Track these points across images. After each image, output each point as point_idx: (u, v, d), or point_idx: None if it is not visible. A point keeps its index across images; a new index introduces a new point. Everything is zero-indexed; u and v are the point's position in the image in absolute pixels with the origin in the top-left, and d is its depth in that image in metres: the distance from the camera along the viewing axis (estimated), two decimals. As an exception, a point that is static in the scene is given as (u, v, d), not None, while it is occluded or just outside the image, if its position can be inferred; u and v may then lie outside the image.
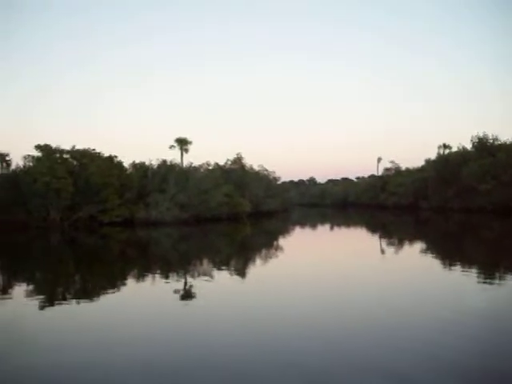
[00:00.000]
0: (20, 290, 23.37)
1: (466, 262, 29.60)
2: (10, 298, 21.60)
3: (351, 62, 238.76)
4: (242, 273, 27.54)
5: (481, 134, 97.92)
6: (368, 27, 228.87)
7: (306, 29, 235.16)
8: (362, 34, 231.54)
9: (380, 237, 53.58)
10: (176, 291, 21.68)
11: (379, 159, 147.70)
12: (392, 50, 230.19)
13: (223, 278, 25.52)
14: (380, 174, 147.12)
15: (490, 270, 25.89)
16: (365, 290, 20.74)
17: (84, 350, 13.19)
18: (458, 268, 26.83)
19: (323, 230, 69.38)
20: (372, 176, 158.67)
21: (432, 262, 29.66)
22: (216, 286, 23.01)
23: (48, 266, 33.96)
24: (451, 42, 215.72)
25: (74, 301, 20.69)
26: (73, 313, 18.02)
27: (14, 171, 73.02)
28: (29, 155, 73.19)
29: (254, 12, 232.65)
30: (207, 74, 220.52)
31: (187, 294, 21.45)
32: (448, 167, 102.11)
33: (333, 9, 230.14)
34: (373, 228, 68.83)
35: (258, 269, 29.33)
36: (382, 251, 37.61)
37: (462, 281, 22.28)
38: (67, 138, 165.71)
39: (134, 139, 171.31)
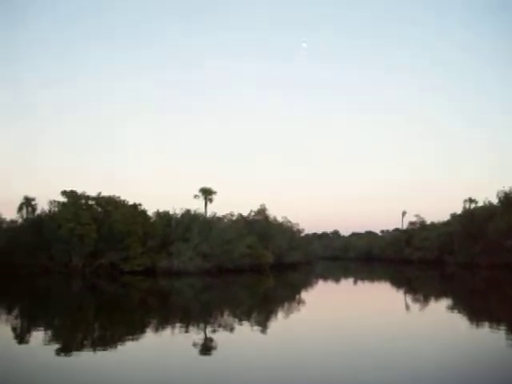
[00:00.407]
0: (38, 335, 23.04)
1: (494, 320, 28.60)
2: (27, 343, 21.33)
3: (380, 114, 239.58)
4: (263, 326, 26.94)
5: (507, 189, 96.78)
6: (394, 74, 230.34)
7: (331, 78, 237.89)
8: (396, 83, 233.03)
9: (405, 292, 52.41)
10: (195, 344, 21.18)
11: (404, 213, 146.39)
12: (422, 100, 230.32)
13: (244, 330, 24.95)
14: (405, 227, 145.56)
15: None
16: (388, 351, 20.03)
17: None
18: (485, 326, 25.90)
19: (347, 284, 68.23)
20: (396, 229, 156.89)
21: (459, 320, 28.76)
22: (236, 339, 22.46)
23: (68, 313, 33.72)
24: (475, 91, 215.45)
25: (91, 350, 20.29)
26: (87, 363, 17.62)
27: (40, 216, 73.84)
28: (54, 200, 74.25)
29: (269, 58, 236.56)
30: (233, 124, 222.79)
31: (206, 347, 20.94)
32: (474, 222, 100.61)
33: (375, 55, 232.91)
34: (397, 283, 67.42)
35: (279, 323, 28.70)
36: (407, 308, 36.65)
37: (490, 340, 21.44)
38: (93, 184, 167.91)
39: (159, 188, 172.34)
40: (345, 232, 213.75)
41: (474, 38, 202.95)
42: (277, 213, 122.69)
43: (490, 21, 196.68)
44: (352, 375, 15.64)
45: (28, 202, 75.16)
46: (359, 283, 68.67)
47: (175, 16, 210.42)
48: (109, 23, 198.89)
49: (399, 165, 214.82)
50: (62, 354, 19.38)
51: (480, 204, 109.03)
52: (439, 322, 28.06)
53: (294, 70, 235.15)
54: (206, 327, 26.71)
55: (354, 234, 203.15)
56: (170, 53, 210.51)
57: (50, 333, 24.87)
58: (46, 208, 74.96)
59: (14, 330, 25.88)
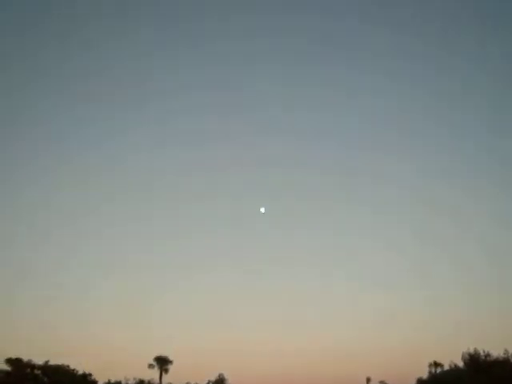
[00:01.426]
0: None
1: None
2: None
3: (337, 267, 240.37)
4: None
5: (471, 351, 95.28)
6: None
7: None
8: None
9: None
10: None
11: (368, 379, 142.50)
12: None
13: None
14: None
15: None
16: None
17: None
18: None
19: None
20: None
21: None
22: None
23: None
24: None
25: None
26: None
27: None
28: (-2, 370, 68.92)
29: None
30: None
31: None
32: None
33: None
34: None
35: None
36: None
37: None
38: (41, 351, 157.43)
39: (110, 355, 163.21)
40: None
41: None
42: (236, 381, 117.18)
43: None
44: None
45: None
46: None
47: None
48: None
49: (362, 330, 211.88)
50: None
51: (446, 367, 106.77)
52: None
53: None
54: None
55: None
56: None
57: None
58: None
59: None
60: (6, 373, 67.55)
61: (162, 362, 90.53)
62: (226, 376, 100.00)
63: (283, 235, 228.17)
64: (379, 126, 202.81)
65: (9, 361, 68.89)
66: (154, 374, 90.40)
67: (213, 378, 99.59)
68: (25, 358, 70.45)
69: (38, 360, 72.77)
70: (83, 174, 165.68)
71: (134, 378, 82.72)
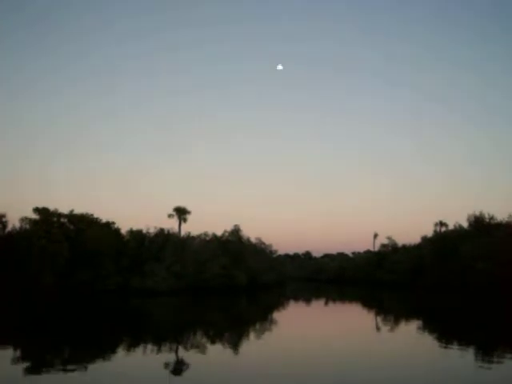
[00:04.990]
0: (6, 355, 22.76)
1: (464, 342, 29.02)
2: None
3: (351, 138, 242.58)
4: (234, 347, 27.02)
5: (477, 213, 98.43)
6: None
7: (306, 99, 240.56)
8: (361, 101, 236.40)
9: (375, 314, 52.81)
10: (167, 364, 21.20)
11: (376, 235, 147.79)
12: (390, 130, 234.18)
13: (217, 351, 25.03)
14: (376, 249, 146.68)
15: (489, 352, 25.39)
16: (356, 370, 20.34)
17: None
18: (453, 348, 26.33)
19: (318, 305, 68.47)
20: (368, 251, 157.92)
21: (428, 341, 29.18)
22: (208, 360, 22.51)
23: (37, 333, 33.33)
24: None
25: (61, 370, 20.05)
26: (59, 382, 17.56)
27: (10, 233, 72.69)
28: (26, 217, 73.08)
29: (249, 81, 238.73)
30: (207, 144, 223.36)
31: (178, 367, 20.99)
32: (445, 245, 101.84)
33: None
34: (368, 304, 67.88)
35: (250, 344, 28.77)
36: (378, 329, 37.05)
37: (459, 361, 21.88)
38: (66, 201, 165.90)
39: (132, 206, 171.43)
40: (317, 253, 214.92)
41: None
42: (250, 232, 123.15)
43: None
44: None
45: (-2, 219, 74.11)
46: (330, 304, 69.02)
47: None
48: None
49: (372, 188, 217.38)
50: (31, 373, 19.25)
51: (450, 227, 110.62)
52: (409, 343, 28.45)
53: (270, 88, 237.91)
54: (178, 348, 26.68)
55: (326, 256, 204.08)
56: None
57: (17, 352, 24.61)
58: (17, 225, 73.94)
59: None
60: (34, 221, 72.03)
61: (181, 212, 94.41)
62: (241, 227, 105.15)
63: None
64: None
65: (36, 210, 73.10)
66: (174, 223, 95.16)
67: (228, 228, 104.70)
68: (51, 208, 74.75)
69: (64, 209, 77.33)
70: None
71: (155, 227, 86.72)
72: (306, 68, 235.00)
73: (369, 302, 72.79)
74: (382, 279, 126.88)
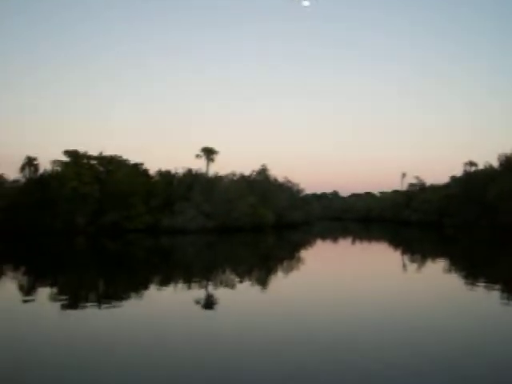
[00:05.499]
0: (43, 292, 23.75)
1: (490, 280, 29.19)
2: (33, 300, 22.07)
3: (377, 76, 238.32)
4: (264, 284, 27.64)
5: (508, 152, 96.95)
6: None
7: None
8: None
9: (402, 253, 53.10)
10: (197, 300, 21.86)
11: (404, 174, 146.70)
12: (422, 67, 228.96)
13: (245, 288, 25.65)
14: (404, 189, 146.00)
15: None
16: (380, 309, 20.75)
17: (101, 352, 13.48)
18: (481, 286, 26.56)
19: (345, 243, 69.07)
20: (396, 191, 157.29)
21: (456, 281, 29.46)
22: (237, 297, 23.14)
23: (72, 270, 34.46)
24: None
25: (95, 306, 20.94)
26: (90, 318, 18.32)
27: (42, 176, 74.14)
28: (57, 160, 74.35)
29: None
30: (236, 84, 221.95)
31: (208, 303, 21.63)
32: (474, 185, 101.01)
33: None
34: (395, 244, 68.13)
35: (278, 280, 29.43)
36: (404, 267, 37.36)
37: (488, 301, 22.14)
38: (94, 143, 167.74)
39: (160, 147, 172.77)
40: (344, 193, 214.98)
41: None
42: (277, 172, 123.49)
43: None
44: (352, 329, 16.34)
45: (30, 162, 75.33)
46: (357, 243, 69.52)
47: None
48: None
49: (400, 127, 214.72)
50: (67, 309, 20.07)
51: (480, 167, 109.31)
52: (438, 283, 28.73)
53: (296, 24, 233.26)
54: (207, 284, 27.39)
55: (353, 195, 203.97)
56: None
57: (54, 289, 25.52)
58: (48, 167, 75.28)
59: (20, 286, 26.63)
60: (65, 163, 73.22)
61: (209, 153, 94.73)
62: (268, 166, 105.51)
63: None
64: None
65: (67, 152, 74.17)
66: (201, 164, 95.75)
67: (256, 168, 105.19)
68: (81, 150, 75.70)
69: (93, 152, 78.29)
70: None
71: (183, 168, 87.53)
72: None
73: (396, 241, 73.10)
74: (410, 219, 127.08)
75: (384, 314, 18.88)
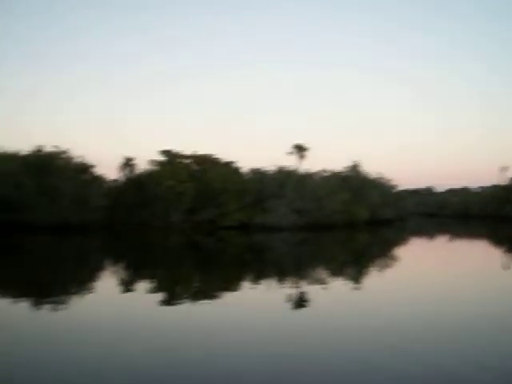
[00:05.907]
0: (142, 286, 24.67)
1: None
2: (132, 292, 22.95)
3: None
4: (356, 282, 27.29)
5: None
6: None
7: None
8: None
9: (505, 252, 50.64)
10: (290, 297, 21.90)
11: (503, 168, 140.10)
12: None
13: (338, 286, 25.43)
14: (504, 183, 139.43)
15: None
16: (481, 311, 19.95)
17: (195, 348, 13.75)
18: None
19: (442, 241, 66.88)
20: (495, 186, 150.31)
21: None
22: (330, 295, 22.96)
23: (169, 266, 35.53)
24: None
25: (191, 300, 21.49)
26: (188, 312, 18.77)
27: (139, 175, 76.93)
28: (154, 160, 76.91)
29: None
30: (327, 82, 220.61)
31: (301, 301, 21.61)
32: None
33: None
34: (497, 242, 64.94)
35: (372, 279, 28.95)
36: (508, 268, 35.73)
37: None
38: (186, 143, 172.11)
39: (250, 145, 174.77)
40: (438, 189, 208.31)
41: None
42: (368, 167, 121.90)
43: None
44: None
45: (128, 162, 78.39)
46: (455, 241, 67.14)
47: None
48: None
49: (497, 119, 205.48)
50: (164, 303, 20.68)
51: None
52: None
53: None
54: (299, 281, 27.38)
55: (449, 191, 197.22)
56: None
57: (153, 284, 26.36)
58: (143, 167, 77.96)
59: (120, 280, 27.71)
60: (161, 163, 75.56)
61: (300, 149, 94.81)
62: (359, 162, 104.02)
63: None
64: None
65: (162, 152, 76.57)
66: (291, 161, 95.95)
67: (346, 164, 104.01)
68: (174, 150, 77.86)
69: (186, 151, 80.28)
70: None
71: (274, 165, 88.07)
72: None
73: (498, 239, 69.74)
74: (511, 215, 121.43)
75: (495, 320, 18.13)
